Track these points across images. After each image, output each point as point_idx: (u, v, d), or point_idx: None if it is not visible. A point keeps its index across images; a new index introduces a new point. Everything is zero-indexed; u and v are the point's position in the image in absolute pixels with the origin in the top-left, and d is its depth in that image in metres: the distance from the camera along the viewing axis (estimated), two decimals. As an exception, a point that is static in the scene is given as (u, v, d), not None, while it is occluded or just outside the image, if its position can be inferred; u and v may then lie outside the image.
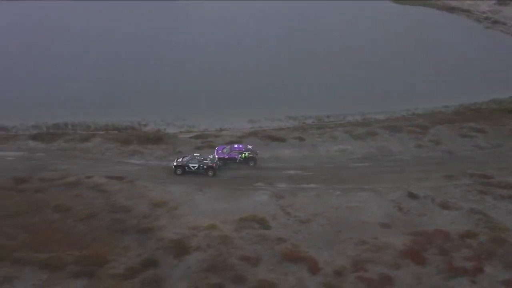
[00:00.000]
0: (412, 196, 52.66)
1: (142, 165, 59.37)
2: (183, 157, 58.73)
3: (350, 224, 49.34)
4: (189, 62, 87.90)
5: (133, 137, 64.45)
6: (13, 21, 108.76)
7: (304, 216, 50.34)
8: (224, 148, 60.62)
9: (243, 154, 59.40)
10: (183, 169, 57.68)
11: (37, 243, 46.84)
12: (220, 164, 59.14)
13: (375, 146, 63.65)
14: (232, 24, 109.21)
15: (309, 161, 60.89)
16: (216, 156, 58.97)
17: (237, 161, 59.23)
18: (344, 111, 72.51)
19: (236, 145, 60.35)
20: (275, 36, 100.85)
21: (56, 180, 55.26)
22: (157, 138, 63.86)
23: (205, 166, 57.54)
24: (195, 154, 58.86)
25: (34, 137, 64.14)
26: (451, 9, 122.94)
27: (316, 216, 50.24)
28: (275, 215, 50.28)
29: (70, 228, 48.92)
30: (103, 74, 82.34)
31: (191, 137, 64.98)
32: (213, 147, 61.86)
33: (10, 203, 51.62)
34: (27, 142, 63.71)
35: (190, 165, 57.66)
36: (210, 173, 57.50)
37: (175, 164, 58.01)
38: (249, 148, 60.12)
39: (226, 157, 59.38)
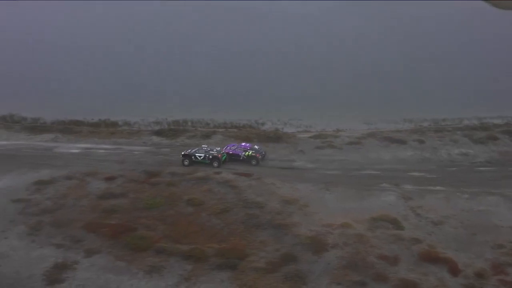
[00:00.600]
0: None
1: (266, 162, 59.64)
2: (192, 148, 60.12)
3: (484, 227, 48.87)
4: (299, 63, 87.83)
5: (253, 135, 65.31)
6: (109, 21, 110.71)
7: (435, 218, 50.04)
8: (234, 145, 61.74)
9: (247, 153, 60.85)
10: (190, 159, 59.61)
11: (176, 234, 48.01)
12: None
13: (497, 151, 62.82)
14: (334, 24, 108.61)
15: (431, 163, 60.73)
16: (223, 150, 60.34)
17: (241, 158, 60.65)
18: (459, 115, 71.21)
19: (243, 144, 61.75)
20: (386, 40, 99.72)
21: (186, 175, 56.45)
22: (277, 137, 64.56)
23: (210, 157, 59.20)
24: (202, 146, 60.78)
25: (158, 133, 65.57)
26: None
27: (447, 218, 49.92)
28: (406, 216, 50.24)
29: (205, 221, 49.84)
30: (217, 74, 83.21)
31: (310, 137, 65.16)
32: (333, 147, 62.49)
33: (146, 196, 52.85)
34: (151, 137, 65.29)
35: (196, 155, 59.55)
36: (215, 164, 59.19)
37: (183, 153, 59.89)
38: (255, 148, 61.40)
39: (231, 152, 60.82)
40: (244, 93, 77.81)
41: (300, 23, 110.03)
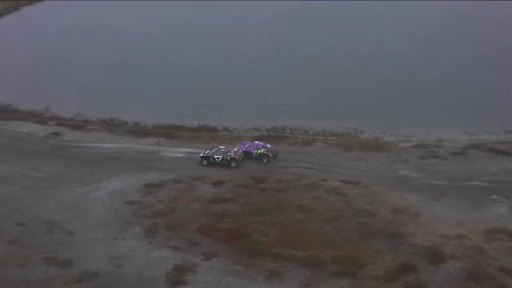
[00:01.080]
0: None
1: (371, 171, 59.44)
2: (211, 149, 61.68)
3: None
4: (396, 70, 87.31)
5: (354, 144, 65.11)
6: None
7: (552, 233, 48.52)
8: (247, 143, 63.89)
9: (259, 150, 62.50)
10: (209, 160, 61.24)
11: (289, 240, 48.36)
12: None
13: None
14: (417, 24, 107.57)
15: (539, 176, 58.90)
16: (238, 149, 62.61)
17: (253, 155, 62.27)
18: None
19: (256, 142, 64.31)
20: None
21: (292, 182, 56.71)
22: (378, 146, 64.12)
23: (228, 158, 60.70)
24: (220, 147, 62.40)
25: (258, 139, 65.62)
26: None
27: None
28: (522, 228, 48.97)
29: (316, 228, 50.07)
30: (312, 79, 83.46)
31: (411, 146, 64.53)
32: (437, 157, 62.13)
33: (255, 201, 53.36)
34: (254, 142, 65.18)
35: (214, 156, 60.98)
36: (233, 165, 60.90)
37: (201, 155, 61.53)
38: (267, 146, 63.26)
39: (244, 150, 62.37)
40: (339, 100, 77.22)
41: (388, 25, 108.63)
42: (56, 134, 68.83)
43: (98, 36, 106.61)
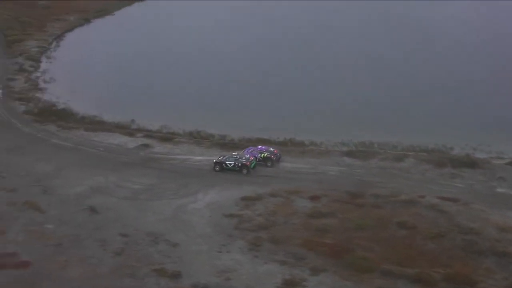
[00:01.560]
0: None
1: (467, 189, 58.49)
2: (223, 156, 63.69)
3: None
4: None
5: (446, 160, 64.29)
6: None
7: None
8: (251, 148, 66.73)
9: (262, 154, 64.96)
10: (221, 166, 63.28)
11: (395, 257, 47.56)
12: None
13: None
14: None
15: None
16: (250, 156, 64.84)
17: (257, 159, 64.22)
18: None
19: (260, 147, 67.30)
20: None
21: (389, 197, 56.17)
22: (471, 163, 63.04)
23: (239, 164, 62.24)
24: (233, 154, 64.21)
25: (348, 154, 65.74)
26: None
27: None
28: None
29: (421, 245, 49.16)
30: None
31: (506, 164, 63.39)
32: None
33: (354, 217, 52.88)
34: (343, 158, 65.37)
35: (227, 162, 62.72)
36: (244, 171, 62.41)
37: (215, 161, 63.63)
38: (270, 150, 66.14)
39: (248, 155, 63.70)
40: (425, 115, 76.66)
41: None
42: (146, 146, 69.54)
43: (178, 47, 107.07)
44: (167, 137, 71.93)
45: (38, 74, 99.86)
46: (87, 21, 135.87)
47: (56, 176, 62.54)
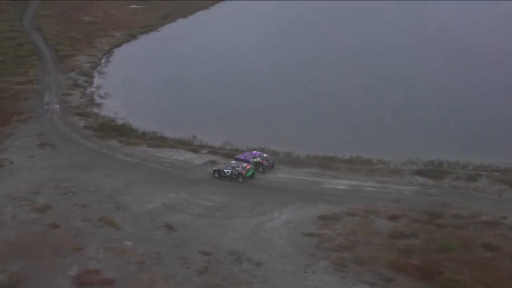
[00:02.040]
0: None
1: (547, 210, 56.97)
2: (222, 165, 66.56)
3: None
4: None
5: (522, 180, 62.30)
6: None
7: None
8: (246, 153, 69.48)
9: (255, 159, 67.12)
10: (219, 174, 65.38)
11: (486, 280, 46.50)
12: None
13: None
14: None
15: None
16: (247, 165, 66.66)
17: (250, 163, 66.04)
18: None
19: (254, 152, 69.90)
20: None
21: (470, 218, 54.96)
22: (551, 182, 61.33)
23: (236, 173, 64.23)
24: (231, 162, 66.37)
25: (420, 173, 64.51)
26: None
27: None
28: None
29: (510, 267, 47.55)
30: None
31: None
32: None
33: (437, 238, 51.78)
34: (414, 177, 64.22)
35: (225, 170, 65.05)
36: (240, 179, 64.41)
37: (214, 169, 66.21)
38: (263, 156, 68.73)
39: (242, 158, 67.65)
40: (495, 134, 75.06)
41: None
42: (212, 162, 68.48)
43: (228, 61, 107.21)
44: (232, 154, 71.04)
45: (93, 89, 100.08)
46: (133, 37, 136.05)
47: (127, 192, 62.06)
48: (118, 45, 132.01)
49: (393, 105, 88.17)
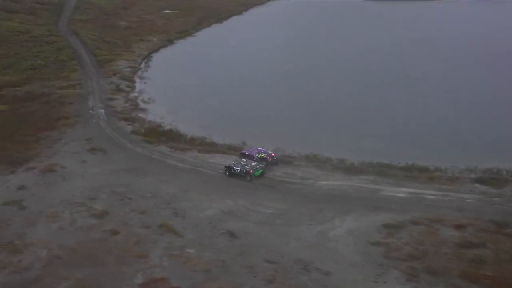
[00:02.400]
0: None
1: None
2: (234, 162, 68.00)
3: None
4: None
5: None
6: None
7: None
8: (253, 149, 71.71)
9: (259, 154, 69.30)
10: (230, 171, 66.91)
11: None
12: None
13: None
14: None
15: None
16: (256, 164, 68.21)
17: (254, 159, 68.51)
18: None
19: (259, 148, 71.93)
20: None
21: (540, 228, 52.84)
22: None
23: (244, 171, 65.48)
24: (242, 160, 67.87)
25: (479, 181, 63.22)
26: None
27: None
28: None
29: None
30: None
31: None
32: None
33: (507, 248, 50.62)
34: (475, 185, 62.75)
35: (234, 167, 66.62)
36: (248, 178, 65.53)
37: (226, 166, 67.69)
38: (268, 152, 70.44)
39: (247, 153, 70.42)
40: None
41: None
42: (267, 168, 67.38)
43: (271, 65, 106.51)
44: (286, 160, 70.37)
45: (135, 94, 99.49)
46: (170, 42, 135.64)
47: (184, 198, 61.38)
48: (155, 50, 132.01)
49: (441, 110, 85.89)
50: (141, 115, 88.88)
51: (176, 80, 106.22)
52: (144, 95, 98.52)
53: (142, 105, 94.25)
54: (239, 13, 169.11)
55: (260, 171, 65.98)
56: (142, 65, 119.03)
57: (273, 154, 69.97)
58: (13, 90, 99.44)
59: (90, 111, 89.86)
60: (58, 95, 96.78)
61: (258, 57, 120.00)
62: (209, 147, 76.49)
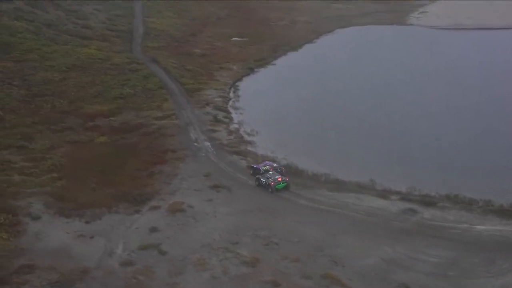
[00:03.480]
0: None
1: None
2: (264, 174, 69.96)
3: None
4: None
5: None
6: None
7: None
8: (264, 163, 73.54)
9: (265, 167, 71.32)
10: (259, 181, 70.44)
11: None
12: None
13: None
14: None
15: None
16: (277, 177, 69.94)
17: (261, 172, 70.45)
18: None
19: (267, 162, 74.49)
20: None
21: None
22: None
23: (267, 183, 68.11)
24: (269, 172, 69.81)
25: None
26: None
27: None
28: None
29: None
30: None
31: None
32: None
33: None
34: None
35: (261, 178, 69.81)
36: (270, 190, 68.34)
37: (257, 176, 70.84)
38: (273, 165, 72.54)
39: (255, 167, 72.52)
40: None
41: None
42: (412, 211, 62.26)
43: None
44: (428, 201, 65.19)
45: (235, 125, 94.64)
46: (251, 70, 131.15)
47: (335, 244, 56.83)
48: (239, 78, 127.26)
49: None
50: (249, 148, 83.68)
51: (273, 111, 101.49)
52: (245, 126, 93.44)
53: (247, 137, 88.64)
54: (311, 40, 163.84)
55: (283, 185, 67.77)
56: (231, 94, 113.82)
57: (282, 168, 72.88)
58: (107, 120, 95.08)
59: (195, 144, 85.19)
60: (156, 126, 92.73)
61: (352, 84, 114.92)
62: (337, 185, 70.70)
